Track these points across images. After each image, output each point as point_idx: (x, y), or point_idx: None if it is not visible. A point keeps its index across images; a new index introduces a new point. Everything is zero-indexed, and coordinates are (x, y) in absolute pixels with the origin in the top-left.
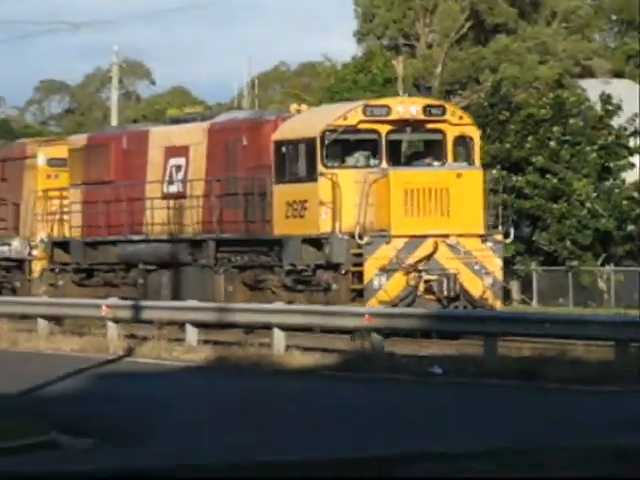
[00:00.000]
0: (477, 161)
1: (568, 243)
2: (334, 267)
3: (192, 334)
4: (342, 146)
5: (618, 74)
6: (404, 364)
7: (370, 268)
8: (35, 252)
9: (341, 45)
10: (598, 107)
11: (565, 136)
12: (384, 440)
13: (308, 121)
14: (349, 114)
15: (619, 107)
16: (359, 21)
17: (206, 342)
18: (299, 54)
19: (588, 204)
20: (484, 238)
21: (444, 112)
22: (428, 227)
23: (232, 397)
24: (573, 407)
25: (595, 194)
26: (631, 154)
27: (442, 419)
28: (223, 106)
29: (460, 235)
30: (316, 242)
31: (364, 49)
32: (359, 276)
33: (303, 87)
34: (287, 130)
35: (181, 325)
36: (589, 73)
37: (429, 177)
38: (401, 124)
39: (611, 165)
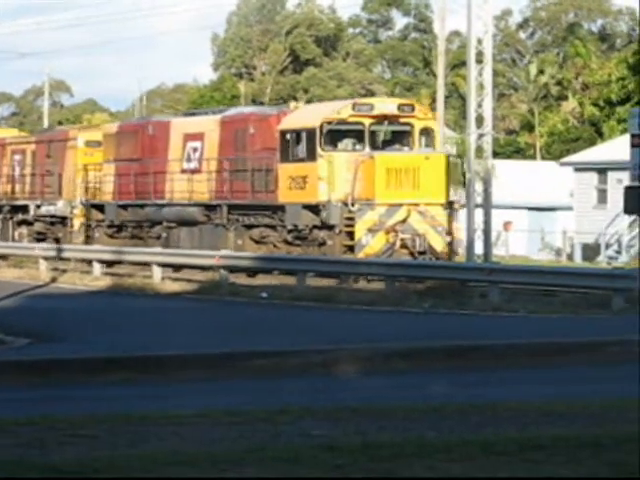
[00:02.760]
0: (437, 147)
1: None
2: (329, 227)
3: (97, 268)
4: (335, 134)
5: (391, 95)
6: (242, 290)
7: (360, 229)
8: (75, 211)
9: (204, 71)
10: None
11: None
12: (226, 338)
13: (308, 114)
14: (341, 110)
15: None
16: (215, 56)
17: (107, 274)
18: (174, 77)
19: None
20: (445, 206)
21: (413, 109)
22: (403, 197)
23: (123, 311)
24: (355, 320)
25: None
26: None
27: (264, 328)
28: (122, 113)
29: (427, 204)
30: (314, 208)
31: (218, 75)
32: (350, 235)
33: (176, 100)
34: (291, 121)
35: (89, 262)
36: (371, 94)
37: (404, 159)
38: (381, 118)
39: None
